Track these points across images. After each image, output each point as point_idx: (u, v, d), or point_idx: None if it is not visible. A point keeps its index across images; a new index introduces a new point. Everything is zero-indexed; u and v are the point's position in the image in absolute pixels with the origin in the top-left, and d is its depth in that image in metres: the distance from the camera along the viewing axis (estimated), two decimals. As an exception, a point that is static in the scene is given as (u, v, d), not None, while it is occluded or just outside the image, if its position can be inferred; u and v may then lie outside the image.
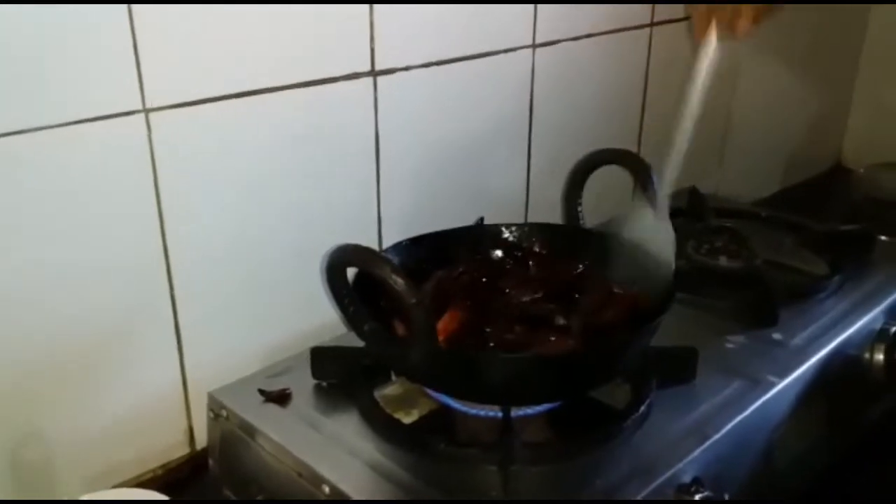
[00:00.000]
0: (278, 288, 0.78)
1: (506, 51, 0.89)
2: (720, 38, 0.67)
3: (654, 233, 0.72)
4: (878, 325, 0.84)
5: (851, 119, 1.55)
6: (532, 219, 0.99)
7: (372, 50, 0.77)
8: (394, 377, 0.72)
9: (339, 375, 0.71)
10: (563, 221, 0.87)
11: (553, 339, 0.67)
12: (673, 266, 0.71)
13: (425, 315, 0.57)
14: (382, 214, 0.84)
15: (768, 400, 0.70)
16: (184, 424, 0.75)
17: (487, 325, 0.68)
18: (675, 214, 1.02)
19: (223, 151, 0.70)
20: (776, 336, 0.79)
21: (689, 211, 1.04)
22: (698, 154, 1.23)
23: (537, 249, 0.81)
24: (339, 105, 0.76)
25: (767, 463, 0.72)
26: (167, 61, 0.64)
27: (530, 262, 0.80)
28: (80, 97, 0.61)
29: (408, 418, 0.67)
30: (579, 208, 0.85)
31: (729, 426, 0.66)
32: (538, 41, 0.92)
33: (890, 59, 1.46)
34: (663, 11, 1.06)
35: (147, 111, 0.64)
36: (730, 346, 0.78)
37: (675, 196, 1.06)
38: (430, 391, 0.69)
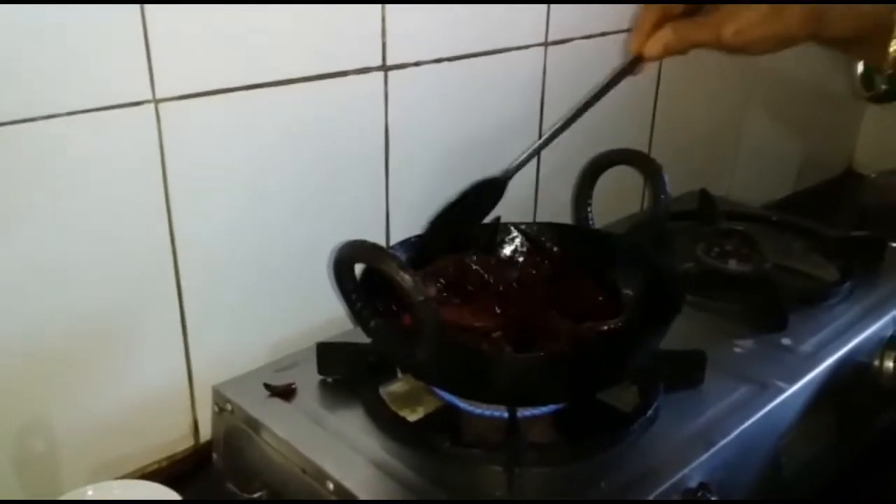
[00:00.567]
0: (285, 282, 0.77)
1: (517, 48, 0.89)
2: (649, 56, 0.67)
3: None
4: (888, 333, 0.84)
5: (864, 124, 1.54)
6: (541, 218, 0.99)
7: (384, 45, 0.77)
8: (400, 374, 0.72)
9: (344, 371, 0.71)
10: (572, 221, 0.87)
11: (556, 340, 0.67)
12: None
13: (432, 312, 0.57)
14: (391, 210, 0.84)
15: (776, 405, 0.70)
16: (189, 418, 0.74)
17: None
18: (685, 217, 1.02)
19: (232, 144, 0.70)
20: (785, 341, 0.78)
21: (700, 213, 1.03)
22: (710, 157, 1.23)
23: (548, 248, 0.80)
24: (349, 99, 0.76)
25: (775, 469, 0.71)
26: (178, 52, 0.64)
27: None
28: (90, 86, 0.61)
29: (413, 416, 0.67)
30: (589, 208, 0.84)
31: (736, 431, 0.66)
32: (550, 39, 0.92)
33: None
34: (677, 11, 1.05)
35: (157, 101, 0.64)
36: (738, 350, 0.77)
37: (686, 198, 1.07)
38: (435, 389, 0.68)
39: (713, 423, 0.66)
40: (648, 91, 1.08)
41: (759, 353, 0.77)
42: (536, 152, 0.73)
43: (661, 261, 0.77)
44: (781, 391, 0.71)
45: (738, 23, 0.61)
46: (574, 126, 0.99)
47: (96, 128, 0.61)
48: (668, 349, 0.69)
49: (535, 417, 0.66)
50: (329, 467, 0.61)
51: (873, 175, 1.36)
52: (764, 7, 0.60)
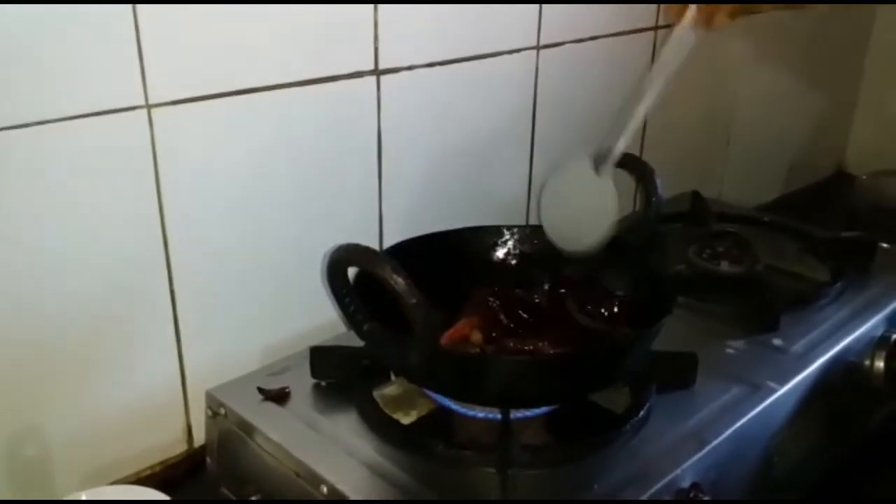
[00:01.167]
0: (278, 286, 0.77)
1: (509, 52, 0.89)
2: (695, 26, 0.68)
3: (594, 190, 0.71)
4: (878, 333, 0.84)
5: (854, 125, 1.55)
6: (533, 221, 0.99)
7: (376, 49, 0.77)
8: (393, 377, 0.72)
9: (338, 375, 0.71)
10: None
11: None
12: (610, 223, 0.69)
13: (425, 315, 0.57)
14: (384, 214, 0.84)
15: (768, 406, 0.70)
16: (182, 422, 0.74)
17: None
18: (677, 219, 1.03)
19: (225, 148, 0.70)
20: (776, 342, 0.79)
21: (692, 215, 1.04)
22: (701, 159, 1.24)
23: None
24: (341, 103, 0.76)
25: (766, 469, 0.72)
26: (170, 58, 0.64)
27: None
28: (83, 92, 0.61)
29: (406, 419, 0.67)
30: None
31: (728, 432, 0.66)
32: (542, 43, 0.92)
33: (893, 65, 1.46)
34: (668, 14, 1.06)
35: (150, 107, 0.64)
36: (730, 351, 0.78)
37: (678, 200, 1.07)
38: (428, 392, 0.68)
39: (705, 424, 0.67)
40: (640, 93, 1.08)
41: (751, 353, 0.77)
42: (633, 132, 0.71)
43: (653, 262, 0.77)
44: (773, 391, 0.71)
45: None
46: (566, 128, 1.00)
47: (89, 133, 0.62)
48: (660, 350, 0.69)
49: (527, 419, 0.66)
50: (323, 470, 0.61)
51: (864, 176, 1.37)
52: None
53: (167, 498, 0.60)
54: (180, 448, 0.75)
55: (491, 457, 0.62)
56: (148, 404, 0.72)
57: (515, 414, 0.65)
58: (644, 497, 0.59)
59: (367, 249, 0.60)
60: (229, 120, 0.69)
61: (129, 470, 0.72)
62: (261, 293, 0.76)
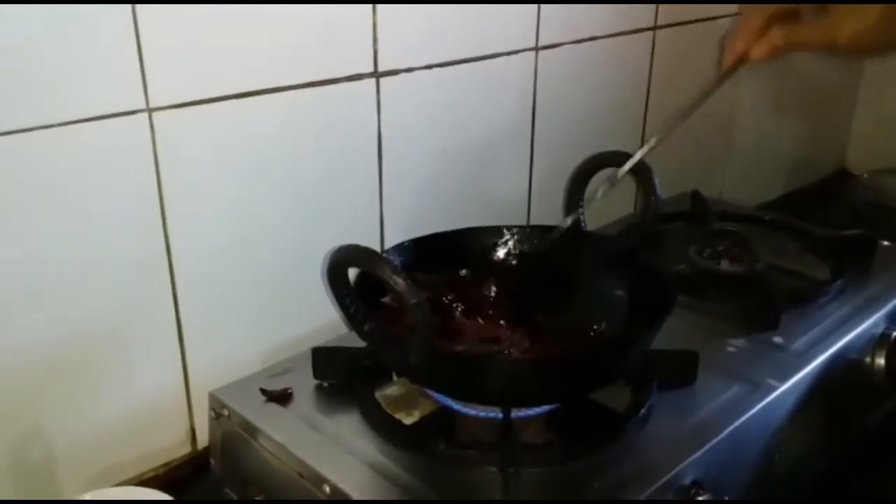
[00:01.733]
0: (280, 288, 0.78)
1: (508, 53, 0.90)
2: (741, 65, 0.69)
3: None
4: (879, 330, 0.84)
5: (855, 124, 1.55)
6: (534, 221, 0.99)
7: (375, 51, 0.77)
8: (395, 378, 0.72)
9: (340, 376, 0.72)
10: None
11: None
12: None
13: (426, 315, 0.57)
14: (385, 215, 0.84)
15: (768, 403, 0.70)
16: (185, 424, 0.75)
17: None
18: (677, 218, 1.03)
19: (225, 151, 0.70)
20: (777, 340, 0.79)
21: (692, 214, 1.04)
22: (701, 158, 1.24)
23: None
24: (341, 106, 0.77)
25: (767, 466, 0.72)
26: (170, 61, 0.65)
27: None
28: (84, 96, 0.61)
29: (408, 419, 0.67)
30: (581, 211, 0.85)
31: (729, 429, 0.66)
32: (541, 44, 0.92)
33: (894, 64, 1.46)
34: (666, 15, 1.06)
35: (151, 110, 0.65)
36: (731, 349, 0.78)
37: (678, 199, 1.07)
38: (430, 392, 0.69)
39: (706, 422, 0.67)
40: (639, 93, 1.09)
41: (752, 351, 0.77)
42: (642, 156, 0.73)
43: (652, 261, 0.77)
44: (773, 389, 0.71)
45: (856, 27, 0.59)
46: (566, 129, 1.01)
47: (91, 138, 0.62)
48: (660, 349, 0.69)
49: (528, 418, 0.67)
50: (326, 471, 0.61)
51: (865, 175, 1.37)
52: (882, 8, 0.58)
53: (171, 499, 0.61)
54: (184, 450, 0.75)
55: (493, 456, 0.63)
56: (151, 406, 0.72)
57: (516, 413, 0.66)
58: (646, 494, 0.59)
59: (366, 250, 0.60)
60: (230, 123, 0.70)
61: (133, 472, 0.72)
62: (262, 295, 0.77)
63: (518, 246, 0.81)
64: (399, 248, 0.76)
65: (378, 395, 0.70)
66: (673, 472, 0.61)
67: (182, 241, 0.69)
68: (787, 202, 1.38)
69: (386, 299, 0.70)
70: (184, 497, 0.64)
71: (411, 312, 0.57)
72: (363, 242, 0.62)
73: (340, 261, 0.61)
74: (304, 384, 0.71)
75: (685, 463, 0.62)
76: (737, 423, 0.67)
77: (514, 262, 0.80)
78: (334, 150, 0.78)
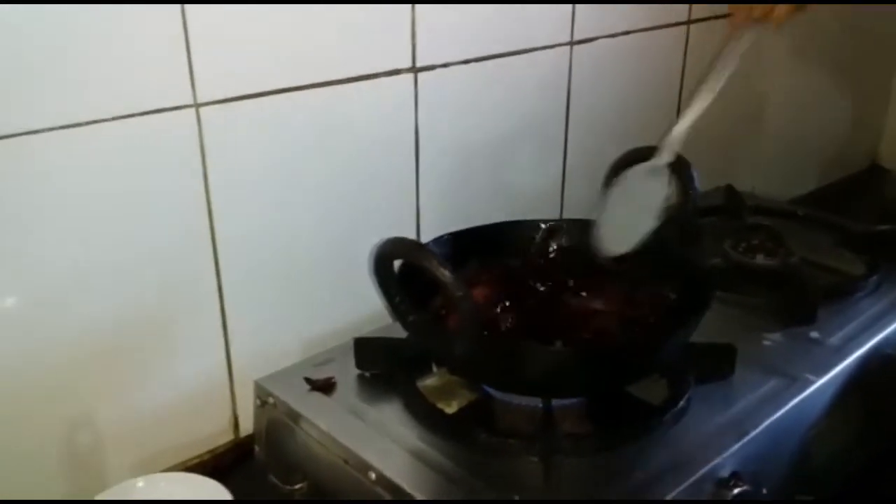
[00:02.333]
0: (321, 279, 0.79)
1: (543, 48, 0.90)
2: (754, 27, 0.71)
3: (643, 185, 0.74)
4: (915, 325, 0.84)
5: (888, 118, 1.53)
6: (567, 214, 1.00)
7: (413, 47, 0.78)
8: (434, 369, 0.73)
9: (381, 366, 0.73)
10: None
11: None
12: (654, 221, 0.71)
13: (471, 307, 0.58)
14: (421, 208, 0.85)
15: (805, 398, 0.70)
16: (229, 412, 0.76)
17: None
18: (711, 212, 1.03)
19: (268, 146, 0.72)
20: (813, 335, 0.79)
21: (726, 209, 1.04)
22: (735, 152, 1.24)
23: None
24: (380, 101, 0.78)
25: (804, 460, 0.72)
26: (217, 58, 0.66)
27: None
28: (134, 92, 0.63)
29: (449, 409, 0.68)
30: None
31: (767, 423, 0.67)
32: (576, 38, 0.93)
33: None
34: (700, 9, 1.06)
35: (198, 106, 0.66)
36: (767, 343, 0.78)
37: (712, 194, 1.07)
38: (471, 382, 0.70)
39: (744, 415, 0.67)
40: (672, 87, 1.09)
41: (788, 346, 0.78)
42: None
43: (691, 255, 0.78)
44: (810, 383, 0.72)
45: None
46: (600, 123, 1.01)
47: (140, 132, 0.63)
48: (698, 342, 0.70)
49: (567, 408, 0.67)
50: (371, 458, 0.62)
51: (898, 169, 1.36)
52: None
53: (221, 487, 0.62)
54: (227, 437, 0.77)
55: (534, 445, 0.63)
56: (196, 394, 0.74)
57: (557, 402, 0.66)
58: (685, 485, 0.60)
59: (413, 243, 0.61)
60: (273, 117, 0.71)
61: (178, 459, 0.74)
62: (304, 286, 0.78)
63: (556, 239, 0.82)
64: (439, 241, 0.77)
65: (419, 385, 0.71)
66: (712, 463, 0.62)
67: (227, 233, 0.71)
68: (820, 197, 1.37)
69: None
70: (227, 484, 0.65)
71: (457, 305, 0.58)
72: (401, 234, 0.63)
73: (387, 253, 0.62)
74: (346, 374, 0.73)
75: (724, 455, 0.63)
76: (774, 416, 0.67)
77: (552, 255, 0.81)
78: (373, 144, 0.79)
